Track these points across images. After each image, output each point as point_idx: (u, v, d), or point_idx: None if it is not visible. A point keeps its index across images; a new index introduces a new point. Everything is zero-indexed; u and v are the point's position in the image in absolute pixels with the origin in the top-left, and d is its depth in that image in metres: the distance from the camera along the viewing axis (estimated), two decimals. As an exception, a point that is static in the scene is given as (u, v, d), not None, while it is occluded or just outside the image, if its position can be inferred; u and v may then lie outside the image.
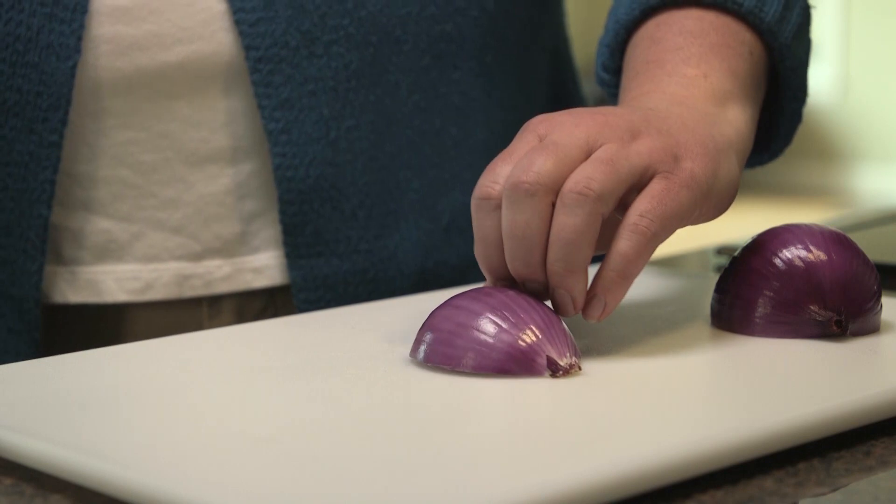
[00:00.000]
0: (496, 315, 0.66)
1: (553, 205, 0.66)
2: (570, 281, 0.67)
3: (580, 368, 0.66)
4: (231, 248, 0.89)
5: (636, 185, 0.68)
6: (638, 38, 0.82)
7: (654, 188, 0.68)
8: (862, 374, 0.68)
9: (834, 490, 0.57)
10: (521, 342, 0.65)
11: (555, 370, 0.65)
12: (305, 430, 0.59)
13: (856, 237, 0.74)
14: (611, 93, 0.88)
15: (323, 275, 0.88)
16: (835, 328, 0.71)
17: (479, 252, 0.69)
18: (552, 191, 0.66)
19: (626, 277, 0.67)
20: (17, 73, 0.84)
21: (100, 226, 0.87)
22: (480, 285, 0.70)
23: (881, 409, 0.62)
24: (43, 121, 0.84)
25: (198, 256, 0.88)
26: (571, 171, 0.67)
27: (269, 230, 0.89)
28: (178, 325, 0.88)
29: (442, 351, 0.66)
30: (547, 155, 0.67)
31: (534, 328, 0.66)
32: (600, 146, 0.68)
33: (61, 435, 0.58)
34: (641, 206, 0.67)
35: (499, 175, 0.68)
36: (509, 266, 0.68)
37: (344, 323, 0.78)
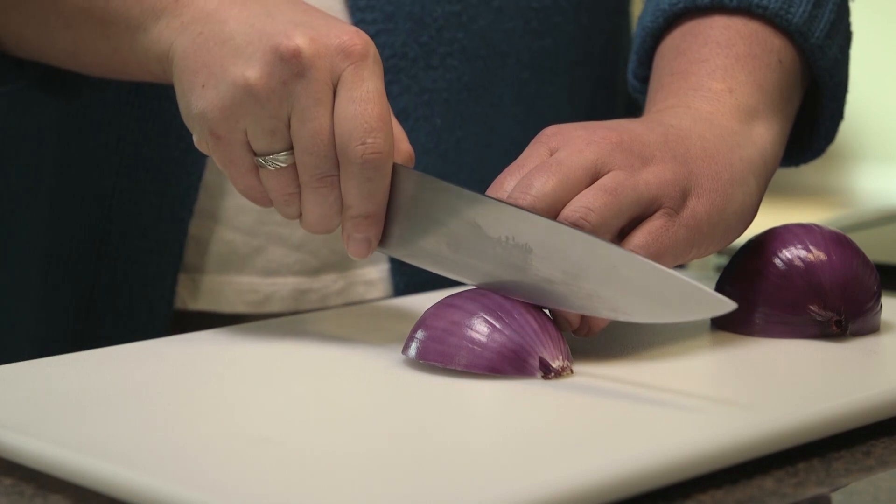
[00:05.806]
0: (490, 315, 0.66)
1: None
2: None
3: (572, 371, 0.66)
4: (346, 262, 0.89)
5: (639, 216, 0.67)
6: (664, 48, 0.80)
7: (654, 224, 0.67)
8: (862, 374, 0.68)
9: (834, 490, 0.57)
10: (513, 342, 0.65)
11: (547, 372, 0.65)
12: (305, 430, 0.59)
13: (856, 237, 0.74)
14: (643, 100, 0.86)
15: (421, 282, 0.89)
16: (835, 328, 0.71)
17: None
18: (549, 215, 0.66)
19: None
20: None
21: (224, 236, 0.88)
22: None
23: (881, 409, 0.62)
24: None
25: (315, 271, 0.89)
26: (573, 194, 0.66)
27: None
28: None
29: (435, 348, 0.66)
30: (549, 175, 0.66)
31: (527, 329, 0.66)
32: (608, 171, 0.67)
33: (61, 435, 0.58)
34: (636, 241, 0.67)
35: (504, 190, 0.68)
36: None
37: (345, 323, 0.78)
